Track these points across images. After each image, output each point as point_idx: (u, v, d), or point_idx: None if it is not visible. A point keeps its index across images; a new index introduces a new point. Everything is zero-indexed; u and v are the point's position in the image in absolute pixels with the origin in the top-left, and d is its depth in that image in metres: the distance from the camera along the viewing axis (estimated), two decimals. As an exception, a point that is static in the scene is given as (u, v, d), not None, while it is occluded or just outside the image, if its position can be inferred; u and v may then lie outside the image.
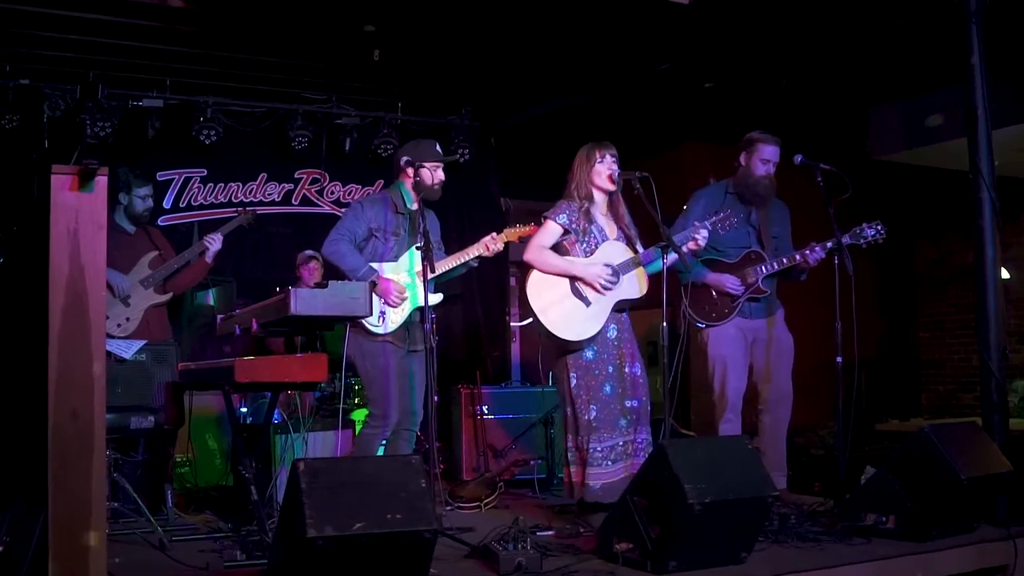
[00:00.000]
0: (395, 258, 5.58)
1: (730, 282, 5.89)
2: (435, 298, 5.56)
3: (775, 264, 5.86)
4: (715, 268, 5.95)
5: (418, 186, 5.60)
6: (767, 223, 6.01)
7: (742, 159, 6.00)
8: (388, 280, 5.43)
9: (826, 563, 4.36)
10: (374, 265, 5.47)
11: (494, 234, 5.63)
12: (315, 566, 3.42)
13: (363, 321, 5.31)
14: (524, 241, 5.61)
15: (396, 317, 5.47)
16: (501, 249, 5.66)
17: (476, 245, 5.61)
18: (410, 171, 5.60)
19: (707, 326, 5.94)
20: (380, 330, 5.45)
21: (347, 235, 5.52)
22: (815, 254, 5.75)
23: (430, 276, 5.29)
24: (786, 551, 4.56)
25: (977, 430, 5.14)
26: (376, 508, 3.52)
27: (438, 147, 5.72)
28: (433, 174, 5.59)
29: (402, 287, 5.48)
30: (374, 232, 5.57)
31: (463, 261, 5.62)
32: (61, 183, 3.25)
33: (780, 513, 5.04)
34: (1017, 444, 5.31)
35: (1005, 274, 6.33)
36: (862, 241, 5.75)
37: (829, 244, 5.72)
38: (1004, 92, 6.15)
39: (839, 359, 5.47)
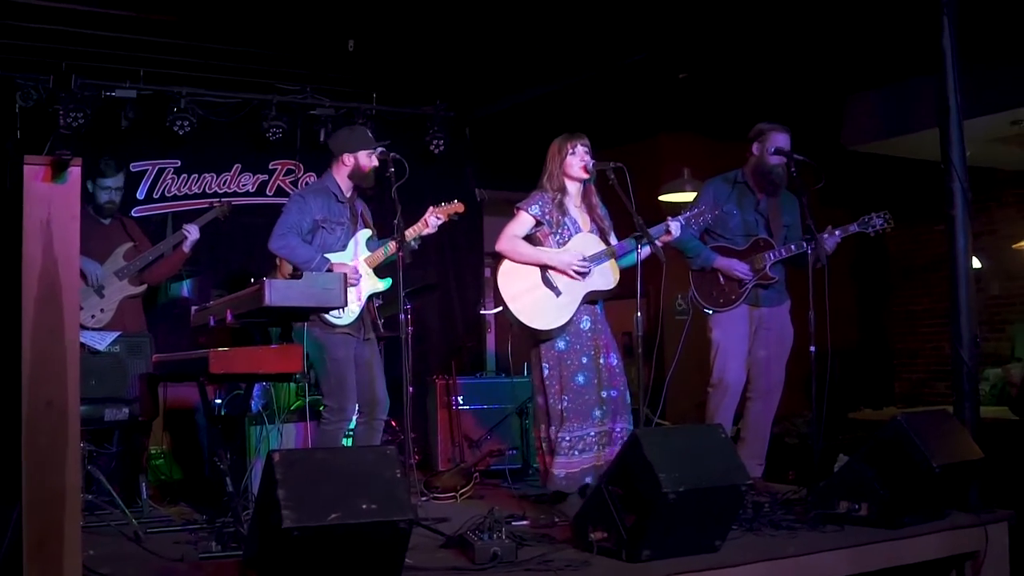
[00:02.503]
0: (343, 247, 5.59)
1: (739, 267, 5.95)
2: (384, 284, 5.60)
3: (783, 251, 5.91)
4: (723, 255, 6.01)
5: (354, 175, 5.63)
6: (778, 212, 6.08)
7: (754, 149, 6.05)
8: (343, 266, 5.45)
9: (800, 551, 4.40)
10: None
11: (432, 208, 5.65)
12: (291, 557, 3.42)
13: (323, 314, 5.32)
14: (454, 217, 5.71)
15: (354, 307, 5.47)
16: (437, 224, 5.65)
17: (416, 225, 5.60)
18: (347, 159, 5.62)
19: (714, 311, 5.99)
20: (341, 321, 5.45)
21: (294, 229, 5.50)
22: (833, 238, 5.79)
23: (376, 263, 5.51)
24: (760, 539, 4.60)
25: (949, 418, 5.19)
26: (352, 499, 3.52)
27: (369, 133, 5.75)
28: (369, 161, 5.61)
29: (356, 271, 5.50)
30: (320, 224, 5.57)
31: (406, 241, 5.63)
32: (34, 174, 3.22)
33: (754, 501, 5.08)
34: (988, 432, 5.36)
35: (976, 263, 6.37)
36: (870, 229, 5.85)
37: (850, 228, 5.82)
38: (976, 82, 6.19)
39: (813, 348, 5.50)
